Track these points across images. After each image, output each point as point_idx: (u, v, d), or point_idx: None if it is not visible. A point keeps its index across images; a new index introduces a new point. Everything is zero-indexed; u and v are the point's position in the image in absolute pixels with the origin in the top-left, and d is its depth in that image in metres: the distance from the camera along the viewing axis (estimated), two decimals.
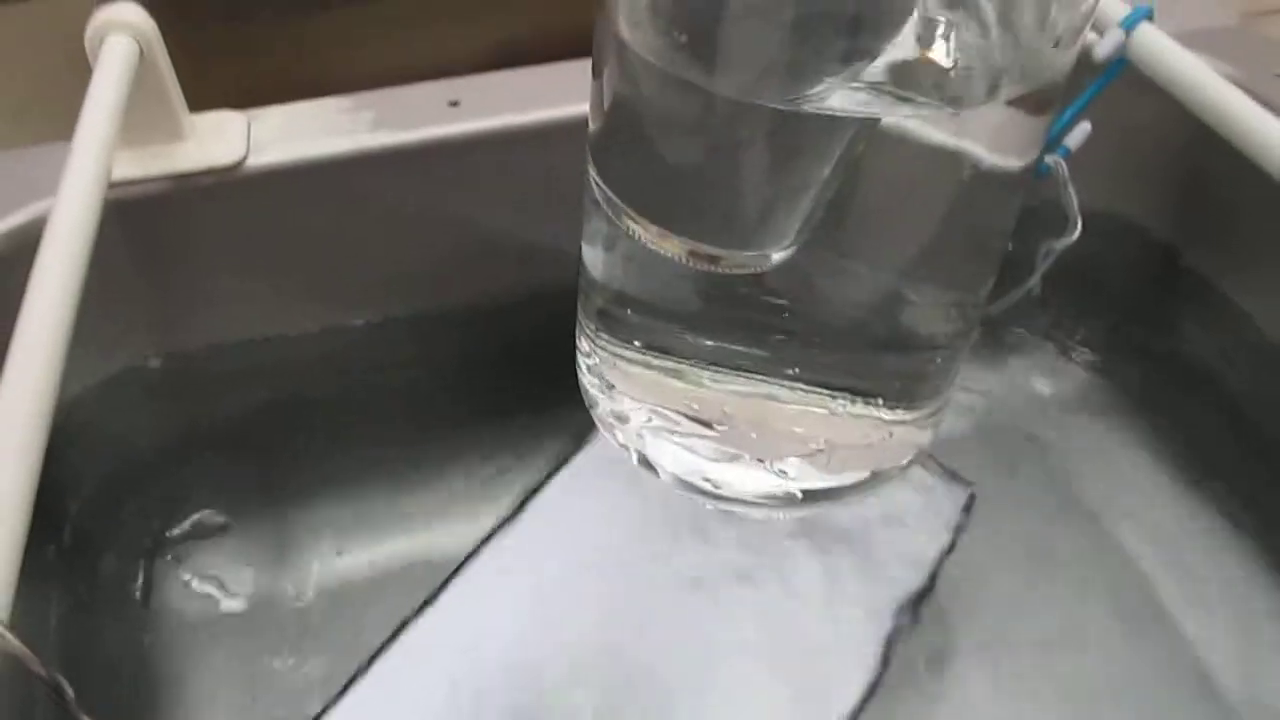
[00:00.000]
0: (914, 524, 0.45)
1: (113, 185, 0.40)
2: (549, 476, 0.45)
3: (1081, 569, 0.49)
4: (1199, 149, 0.51)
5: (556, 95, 0.45)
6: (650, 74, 0.26)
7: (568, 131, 0.45)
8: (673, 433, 0.33)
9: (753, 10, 0.24)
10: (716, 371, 0.31)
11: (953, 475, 0.47)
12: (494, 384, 0.51)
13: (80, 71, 0.38)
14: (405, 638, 0.40)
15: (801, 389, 0.31)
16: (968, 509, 0.47)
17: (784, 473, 0.33)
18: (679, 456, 0.34)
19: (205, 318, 0.46)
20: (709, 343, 0.30)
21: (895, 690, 0.41)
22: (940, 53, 0.25)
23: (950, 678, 0.45)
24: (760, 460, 0.33)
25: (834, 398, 0.31)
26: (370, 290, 0.47)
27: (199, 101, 0.43)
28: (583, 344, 0.36)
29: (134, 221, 0.42)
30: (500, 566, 0.42)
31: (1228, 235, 0.52)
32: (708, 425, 0.32)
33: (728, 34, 0.25)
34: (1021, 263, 0.47)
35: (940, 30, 0.25)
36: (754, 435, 0.32)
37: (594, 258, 0.33)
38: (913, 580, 0.44)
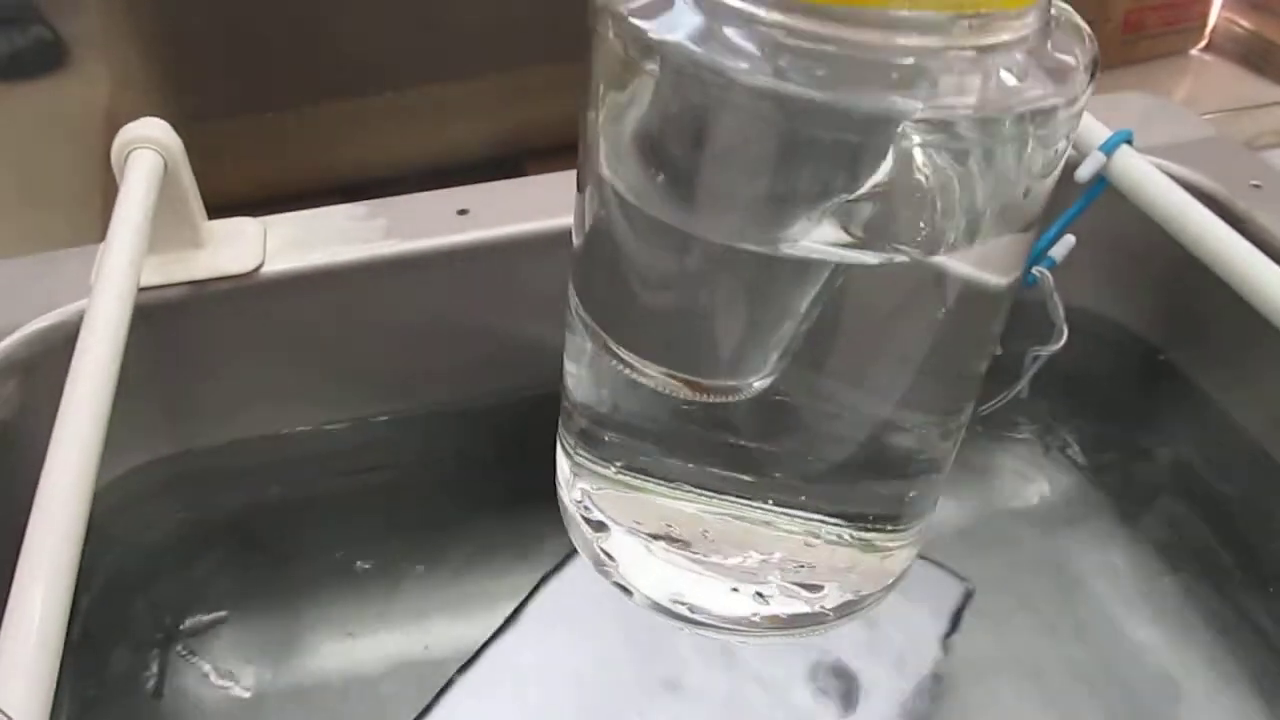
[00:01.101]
0: (912, 620, 0.46)
1: None
2: (541, 583, 0.46)
3: (1074, 673, 0.49)
4: (1178, 256, 0.52)
5: (563, 204, 0.46)
6: (628, 210, 0.26)
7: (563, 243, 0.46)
8: (650, 553, 0.33)
9: (728, 155, 0.25)
10: (696, 494, 0.31)
11: (951, 572, 0.48)
12: (498, 481, 0.52)
13: (94, 155, 0.40)
14: None
15: (782, 513, 0.31)
16: (964, 604, 0.48)
17: (762, 596, 0.33)
18: (656, 578, 0.34)
19: (217, 416, 0.47)
20: (688, 465, 0.31)
21: None
22: (918, 199, 0.25)
23: None
24: (739, 584, 0.33)
25: (815, 522, 0.31)
26: (378, 390, 0.49)
27: (213, 193, 0.45)
28: (562, 462, 0.36)
29: (153, 325, 0.43)
30: (492, 678, 0.43)
31: (1206, 335, 0.53)
32: (686, 546, 0.32)
33: (703, 177, 0.25)
34: (1009, 366, 0.48)
35: (916, 178, 0.25)
36: (733, 559, 0.32)
37: (575, 376, 0.33)
38: (909, 679, 0.45)
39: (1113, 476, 0.56)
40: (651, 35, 0.23)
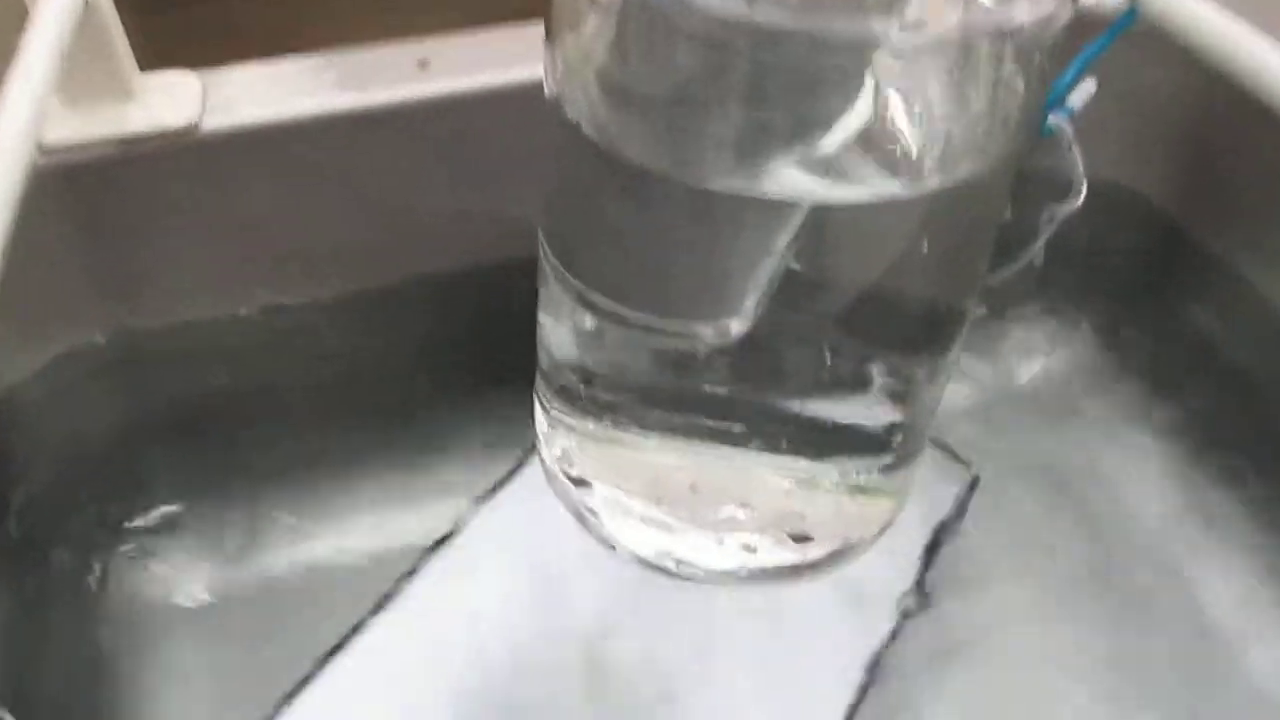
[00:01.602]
0: (915, 507, 0.43)
1: (52, 150, 0.38)
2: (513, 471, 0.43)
3: (1087, 550, 0.47)
4: (1204, 115, 0.49)
5: (533, 55, 0.42)
6: (593, 152, 0.25)
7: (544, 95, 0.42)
8: (634, 508, 0.32)
9: (696, 92, 0.23)
10: (680, 445, 0.30)
11: (954, 456, 0.45)
12: (464, 362, 0.48)
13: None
14: (358, 640, 0.38)
15: (769, 461, 0.30)
16: (970, 491, 0.45)
17: (749, 549, 0.32)
18: (641, 533, 0.33)
19: (156, 295, 0.43)
20: (671, 416, 0.30)
21: (899, 677, 0.40)
22: (893, 133, 0.24)
23: (955, 663, 0.43)
24: (726, 536, 0.32)
25: (802, 469, 0.31)
26: (333, 264, 0.45)
27: (149, 60, 0.40)
28: (540, 419, 0.35)
29: (76, 189, 0.39)
30: (461, 567, 0.41)
31: (1232, 204, 0.50)
32: (671, 500, 0.31)
33: (670, 116, 0.24)
34: (1021, 232, 0.45)
35: (893, 109, 0.24)
36: (720, 511, 0.32)
37: (549, 328, 0.32)
38: (912, 564, 0.42)
39: (1129, 356, 0.53)
40: None
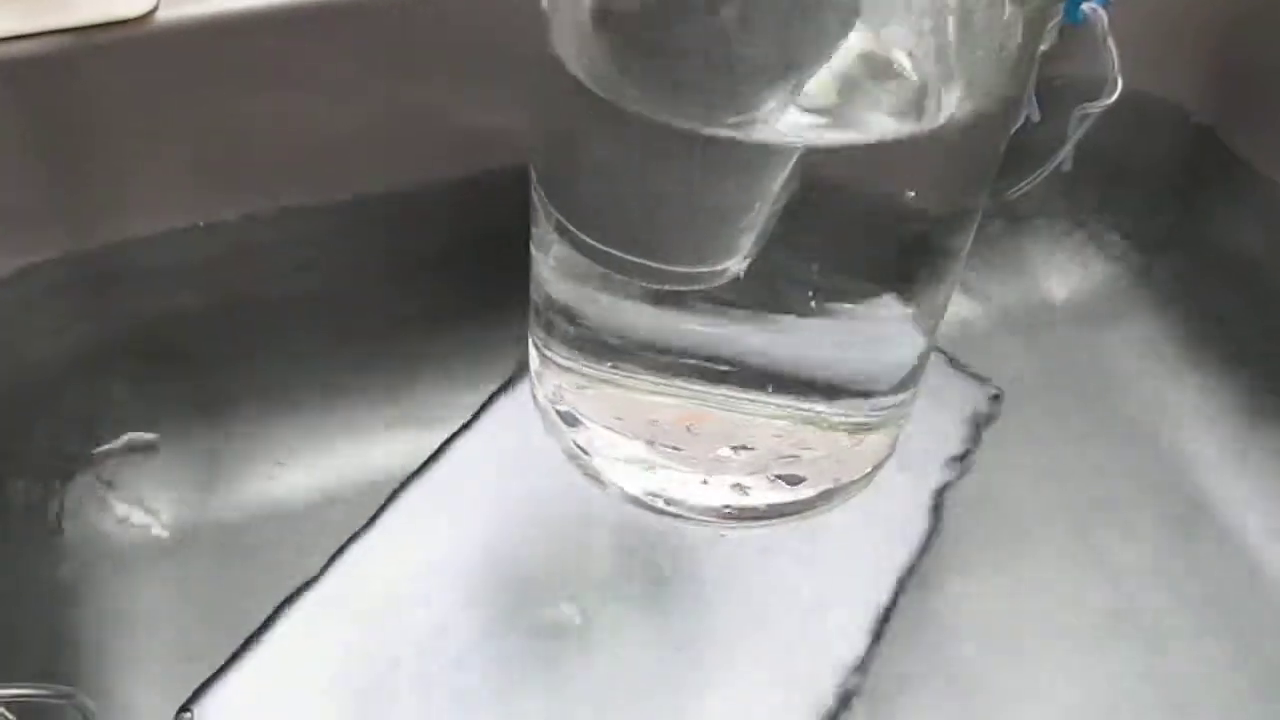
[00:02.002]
0: (934, 426, 0.41)
1: None
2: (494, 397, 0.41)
3: (1109, 486, 0.44)
4: (1239, 17, 0.45)
5: None
6: (582, 94, 0.25)
7: None
8: (624, 447, 0.32)
9: (688, 29, 0.23)
10: (674, 386, 0.30)
11: (975, 376, 0.43)
12: (447, 280, 0.45)
13: None
14: (329, 576, 0.36)
15: (766, 398, 0.30)
16: (992, 411, 0.42)
17: (741, 488, 0.32)
18: (631, 472, 0.33)
19: (115, 206, 0.40)
20: (664, 357, 0.29)
21: (918, 594, 0.38)
22: (887, 72, 0.24)
23: (974, 581, 0.41)
24: (717, 476, 0.32)
25: (796, 405, 0.30)
26: (306, 170, 0.41)
27: None
28: (533, 356, 0.35)
29: (23, 88, 0.36)
30: (430, 505, 0.39)
31: (1269, 110, 0.47)
32: (664, 440, 0.32)
33: (661, 57, 0.24)
34: (1047, 141, 0.42)
35: (886, 48, 0.24)
36: (714, 450, 0.32)
37: (542, 266, 0.31)
38: (934, 480, 0.40)
39: (1158, 268, 0.50)
40: None
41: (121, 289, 0.41)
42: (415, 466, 0.39)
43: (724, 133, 0.24)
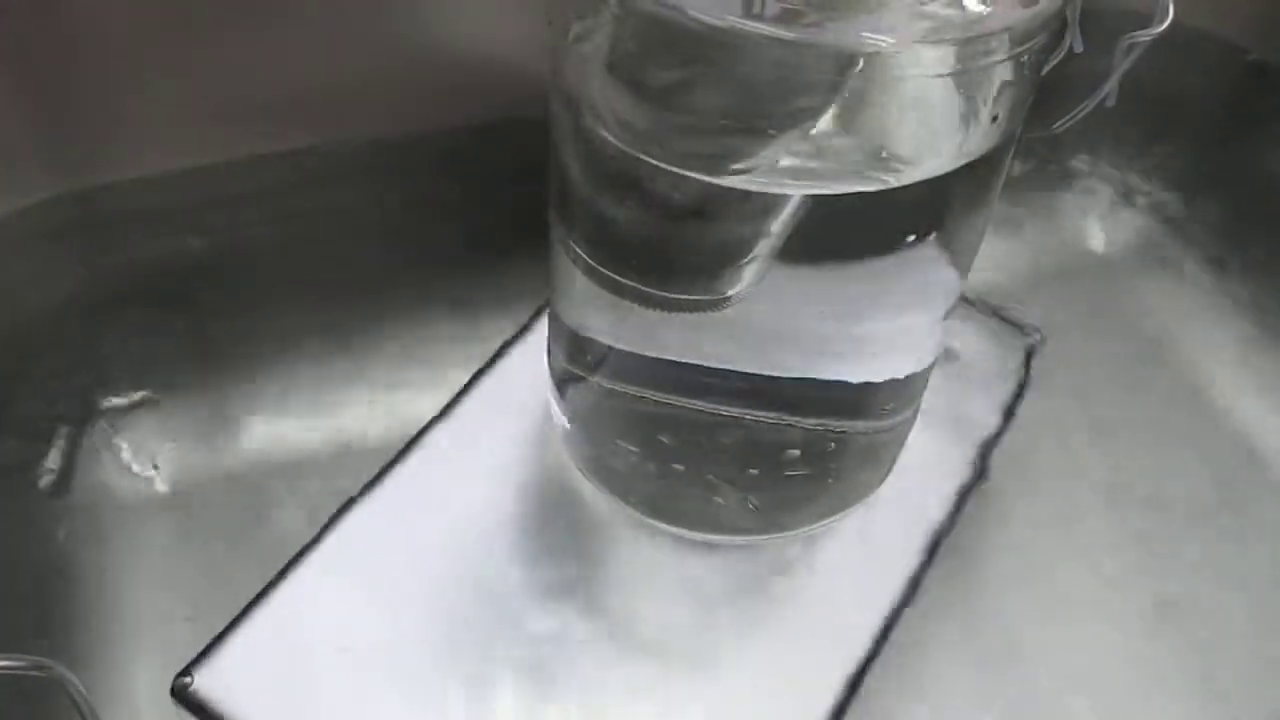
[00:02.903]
0: (972, 378, 0.40)
1: None
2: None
3: (1163, 416, 0.43)
4: None
5: None
6: (594, 135, 0.26)
7: None
8: (637, 463, 0.33)
9: (689, 90, 0.25)
10: (687, 403, 0.31)
11: (1013, 324, 0.41)
12: (459, 226, 0.44)
13: None
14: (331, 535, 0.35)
15: (769, 415, 0.31)
16: (1029, 360, 0.40)
17: (751, 504, 0.33)
18: (642, 487, 0.34)
19: (114, 145, 0.39)
20: (675, 376, 0.30)
21: (956, 549, 0.36)
22: (882, 129, 0.25)
23: (1017, 537, 0.39)
24: (725, 492, 0.33)
25: (801, 422, 0.31)
26: (310, 111, 0.40)
27: None
28: (548, 362, 0.36)
29: (10, 21, 0.34)
30: (442, 462, 0.37)
31: None
32: (674, 455, 0.32)
33: (664, 111, 0.25)
34: (1091, 73, 0.40)
35: (883, 104, 0.25)
36: (723, 467, 0.33)
37: (557, 282, 0.32)
38: (977, 433, 0.39)
39: (1205, 209, 0.48)
40: None
41: (119, 233, 0.40)
42: (420, 421, 0.38)
43: (727, 181, 0.25)
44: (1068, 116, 0.41)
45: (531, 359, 0.38)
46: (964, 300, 0.43)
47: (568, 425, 0.36)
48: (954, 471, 0.38)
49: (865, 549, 0.35)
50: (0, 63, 0.35)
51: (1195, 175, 0.49)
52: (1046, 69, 0.41)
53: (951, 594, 0.36)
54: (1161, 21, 0.37)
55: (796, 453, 0.32)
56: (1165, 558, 0.39)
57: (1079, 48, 0.40)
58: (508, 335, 0.40)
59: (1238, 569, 0.39)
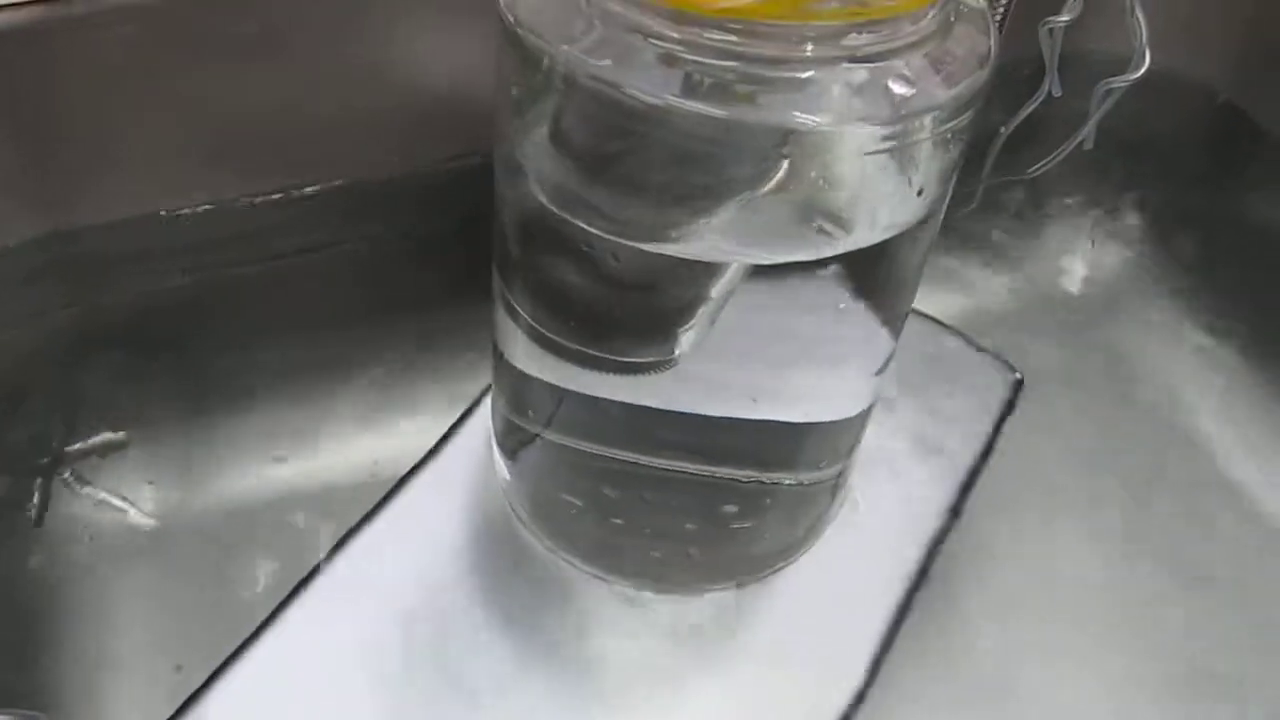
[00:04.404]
0: (950, 414, 0.40)
1: None
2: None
3: (1141, 454, 0.43)
4: None
5: None
6: (534, 199, 0.27)
7: None
8: (577, 515, 0.34)
9: (627, 163, 0.25)
10: (626, 456, 0.31)
11: (996, 359, 0.41)
12: (444, 262, 0.43)
13: None
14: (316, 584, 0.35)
15: (708, 471, 0.31)
16: (1014, 396, 0.41)
17: (689, 554, 0.34)
18: (586, 543, 0.35)
19: (99, 187, 0.39)
20: (615, 431, 0.31)
21: (934, 587, 0.37)
22: (811, 204, 0.26)
23: (996, 575, 0.39)
24: (662, 546, 0.34)
25: (745, 474, 0.32)
26: (300, 154, 0.40)
27: None
28: (496, 424, 0.36)
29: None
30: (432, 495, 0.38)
31: None
32: (614, 509, 0.33)
33: (602, 182, 0.26)
34: (1069, 117, 0.40)
35: (812, 179, 0.25)
36: (661, 522, 0.33)
37: (499, 337, 0.33)
38: (955, 471, 0.39)
39: (1180, 249, 0.48)
40: (551, 51, 0.24)
41: (103, 273, 0.40)
42: (402, 459, 0.38)
43: (664, 249, 0.26)
44: (1046, 160, 0.42)
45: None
46: (944, 335, 0.43)
47: (508, 476, 0.36)
48: (931, 511, 0.38)
49: (841, 591, 0.36)
50: None
51: (1170, 212, 0.49)
52: (1025, 113, 0.42)
53: (931, 632, 0.36)
54: (1138, 68, 0.38)
55: (734, 507, 0.32)
56: (1146, 596, 0.39)
57: (1057, 92, 0.41)
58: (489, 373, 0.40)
59: (1218, 605, 0.39)
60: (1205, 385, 0.45)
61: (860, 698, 0.33)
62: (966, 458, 0.39)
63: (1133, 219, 0.50)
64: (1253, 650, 0.38)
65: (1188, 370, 0.46)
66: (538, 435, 0.33)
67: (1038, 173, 0.42)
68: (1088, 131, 0.40)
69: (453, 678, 0.33)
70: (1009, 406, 0.41)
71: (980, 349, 0.42)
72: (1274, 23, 0.45)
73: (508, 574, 0.36)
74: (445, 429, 0.39)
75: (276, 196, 0.40)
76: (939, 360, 0.42)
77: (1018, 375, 0.42)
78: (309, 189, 0.41)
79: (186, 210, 0.40)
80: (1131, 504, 0.41)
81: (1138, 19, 0.37)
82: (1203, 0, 0.45)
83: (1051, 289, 0.48)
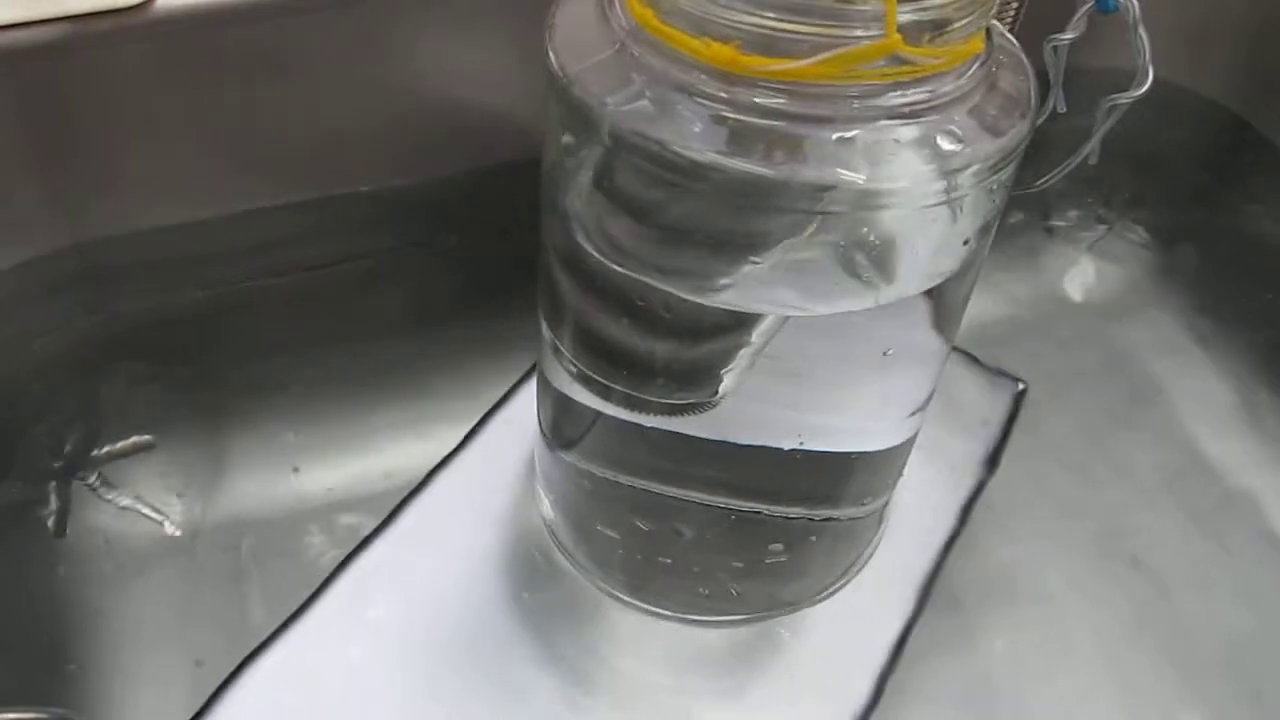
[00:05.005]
0: (956, 427, 0.41)
1: None
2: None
3: (1146, 466, 0.43)
4: (1271, 11, 0.44)
5: None
6: (580, 248, 0.27)
7: None
8: (620, 551, 0.34)
9: (674, 218, 0.25)
10: (667, 492, 0.31)
11: (999, 373, 0.42)
12: (457, 273, 0.44)
13: None
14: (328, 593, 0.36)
15: (751, 506, 0.31)
16: (1016, 406, 0.42)
17: (734, 593, 0.34)
18: (626, 576, 0.35)
19: (117, 199, 0.39)
20: (660, 466, 0.31)
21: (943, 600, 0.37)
22: (855, 257, 0.26)
23: (1006, 581, 0.39)
24: (704, 584, 0.34)
25: (785, 512, 0.32)
26: (310, 165, 0.41)
27: None
28: (540, 455, 0.37)
29: (18, 77, 0.35)
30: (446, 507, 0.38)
31: None
32: (656, 546, 0.33)
33: (649, 235, 0.26)
34: (1073, 133, 0.41)
35: (857, 234, 0.25)
36: (701, 560, 0.33)
37: (545, 376, 0.33)
38: (961, 483, 0.39)
39: (1183, 262, 0.49)
40: (599, 106, 0.24)
41: (124, 284, 0.41)
42: (422, 467, 0.39)
43: (710, 301, 0.26)
44: (1051, 174, 0.42)
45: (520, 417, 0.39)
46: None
47: (550, 514, 0.37)
48: (939, 524, 0.38)
49: (852, 606, 0.36)
50: (9, 117, 0.36)
51: (1176, 227, 0.49)
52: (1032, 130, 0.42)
53: (939, 648, 0.37)
54: (1141, 84, 0.38)
55: (780, 546, 0.33)
56: (1153, 603, 0.39)
57: (1062, 108, 0.41)
58: (510, 382, 0.41)
59: (1227, 615, 0.39)
60: (1209, 397, 0.45)
61: (867, 714, 0.34)
62: (971, 470, 0.40)
63: (1136, 232, 0.50)
64: (1262, 660, 0.38)
65: (1192, 382, 0.46)
66: (582, 469, 0.33)
67: (1043, 186, 0.42)
68: (1092, 147, 0.41)
69: (472, 684, 0.34)
70: (1012, 417, 0.41)
71: (984, 362, 0.43)
72: (1273, 38, 0.45)
73: (531, 585, 0.36)
74: (461, 438, 0.40)
75: (290, 208, 0.41)
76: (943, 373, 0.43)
77: (1021, 387, 0.42)
78: (323, 200, 0.41)
79: (203, 221, 0.40)
80: (1137, 515, 0.42)
81: (1140, 37, 0.37)
82: (1207, 16, 0.45)
83: (1055, 301, 0.49)
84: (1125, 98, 0.39)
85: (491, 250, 0.44)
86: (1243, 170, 0.47)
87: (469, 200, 0.42)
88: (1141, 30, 0.38)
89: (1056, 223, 0.50)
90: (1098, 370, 0.46)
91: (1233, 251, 0.48)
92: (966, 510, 0.39)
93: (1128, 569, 0.40)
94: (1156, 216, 0.50)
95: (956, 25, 0.23)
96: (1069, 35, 0.38)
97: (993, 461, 0.40)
